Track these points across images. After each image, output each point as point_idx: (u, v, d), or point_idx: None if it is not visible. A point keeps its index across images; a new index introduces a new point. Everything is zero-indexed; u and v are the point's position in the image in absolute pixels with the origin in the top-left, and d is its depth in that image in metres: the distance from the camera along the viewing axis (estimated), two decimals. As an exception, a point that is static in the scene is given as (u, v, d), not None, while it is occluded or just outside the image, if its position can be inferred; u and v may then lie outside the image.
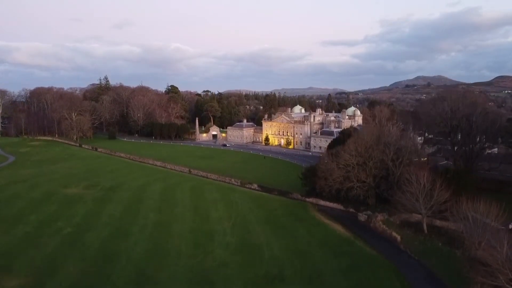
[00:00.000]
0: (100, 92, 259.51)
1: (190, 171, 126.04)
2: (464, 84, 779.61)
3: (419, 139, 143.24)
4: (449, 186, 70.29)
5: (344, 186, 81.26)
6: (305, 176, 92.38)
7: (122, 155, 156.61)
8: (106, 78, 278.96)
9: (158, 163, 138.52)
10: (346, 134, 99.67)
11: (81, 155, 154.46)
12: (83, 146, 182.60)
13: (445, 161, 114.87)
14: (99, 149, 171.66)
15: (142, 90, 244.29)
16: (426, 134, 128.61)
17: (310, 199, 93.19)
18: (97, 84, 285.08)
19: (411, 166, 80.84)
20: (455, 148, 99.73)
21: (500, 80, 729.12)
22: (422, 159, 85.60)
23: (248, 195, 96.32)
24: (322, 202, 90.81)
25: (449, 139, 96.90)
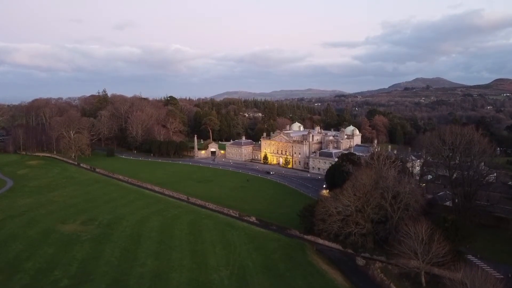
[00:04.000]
0: (98, 105, 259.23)
1: (188, 199, 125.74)
2: (463, 86, 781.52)
3: (418, 161, 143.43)
4: (447, 237, 70.32)
5: (342, 231, 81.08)
6: (303, 215, 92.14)
7: (120, 177, 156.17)
8: (104, 90, 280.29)
9: (157, 189, 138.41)
10: (345, 172, 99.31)
11: (79, 179, 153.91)
12: (81, 165, 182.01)
13: (443, 191, 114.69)
14: (97, 169, 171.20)
15: (141, 104, 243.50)
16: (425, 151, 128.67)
17: (309, 237, 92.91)
18: (96, 95, 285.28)
19: (409, 210, 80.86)
20: (454, 178, 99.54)
21: (499, 83, 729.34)
22: (420, 200, 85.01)
23: (246, 233, 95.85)
24: (320, 241, 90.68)
25: (448, 175, 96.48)
